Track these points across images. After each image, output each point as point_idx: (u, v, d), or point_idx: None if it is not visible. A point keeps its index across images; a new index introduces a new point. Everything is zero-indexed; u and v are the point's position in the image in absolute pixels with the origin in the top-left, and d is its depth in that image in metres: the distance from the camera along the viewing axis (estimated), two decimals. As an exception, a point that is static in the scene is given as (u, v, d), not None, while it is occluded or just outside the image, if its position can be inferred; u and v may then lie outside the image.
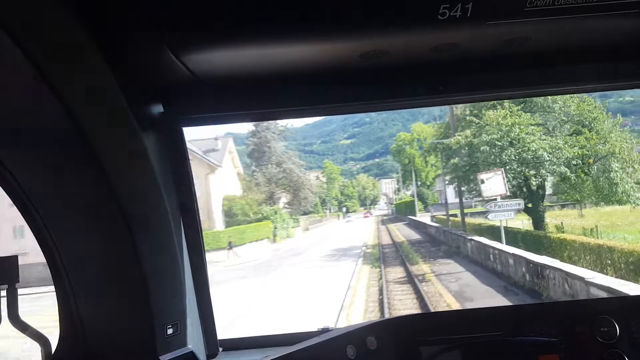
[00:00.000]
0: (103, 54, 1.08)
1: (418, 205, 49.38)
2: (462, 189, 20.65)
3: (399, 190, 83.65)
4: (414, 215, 44.34)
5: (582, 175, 15.73)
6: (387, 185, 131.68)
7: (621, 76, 1.50)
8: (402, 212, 55.05)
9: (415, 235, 30.80)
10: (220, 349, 1.70)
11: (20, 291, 1.19)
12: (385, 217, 69.52)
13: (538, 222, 17.89)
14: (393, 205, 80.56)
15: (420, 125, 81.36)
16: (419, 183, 79.92)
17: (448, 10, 1.07)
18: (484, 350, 1.59)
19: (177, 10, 1.06)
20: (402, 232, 34.44)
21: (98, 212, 1.29)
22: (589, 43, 1.37)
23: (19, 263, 1.20)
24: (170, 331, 1.39)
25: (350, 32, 1.17)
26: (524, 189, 17.35)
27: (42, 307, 6.37)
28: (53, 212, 1.30)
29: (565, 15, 1.11)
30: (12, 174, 1.21)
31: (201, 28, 1.11)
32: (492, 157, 16.21)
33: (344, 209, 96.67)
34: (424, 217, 40.91)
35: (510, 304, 6.60)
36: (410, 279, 14.73)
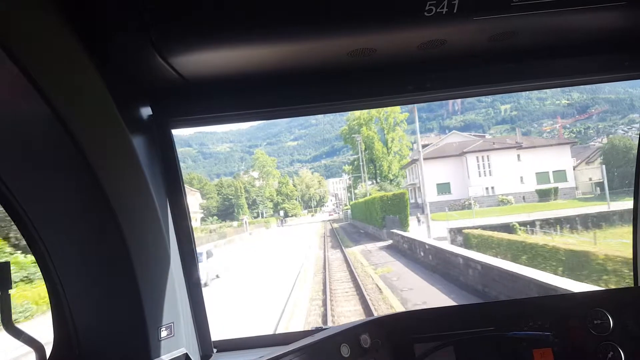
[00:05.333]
0: (91, 57, 1.10)
1: (378, 210, 25.57)
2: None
3: (356, 184, 61.86)
4: (399, 225, 21.86)
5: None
6: (336, 185, 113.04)
7: (607, 69, 1.54)
8: (368, 219, 31.08)
9: None
10: (215, 350, 1.75)
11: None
12: (336, 225, 47.59)
13: None
14: (346, 208, 59.52)
15: (379, 99, 60.06)
16: (379, 176, 59.89)
17: (434, 6, 1.08)
18: (478, 346, 1.60)
19: (164, 13, 1.08)
20: None
21: (88, 215, 1.28)
22: (575, 37, 1.39)
23: None
24: (164, 334, 1.41)
25: (338, 31, 1.18)
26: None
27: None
28: (43, 216, 1.28)
29: (552, 10, 1.13)
30: (0, 177, 1.19)
31: (188, 30, 1.13)
32: None
33: (282, 212, 75.09)
34: (416, 230, 18.96)
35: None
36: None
